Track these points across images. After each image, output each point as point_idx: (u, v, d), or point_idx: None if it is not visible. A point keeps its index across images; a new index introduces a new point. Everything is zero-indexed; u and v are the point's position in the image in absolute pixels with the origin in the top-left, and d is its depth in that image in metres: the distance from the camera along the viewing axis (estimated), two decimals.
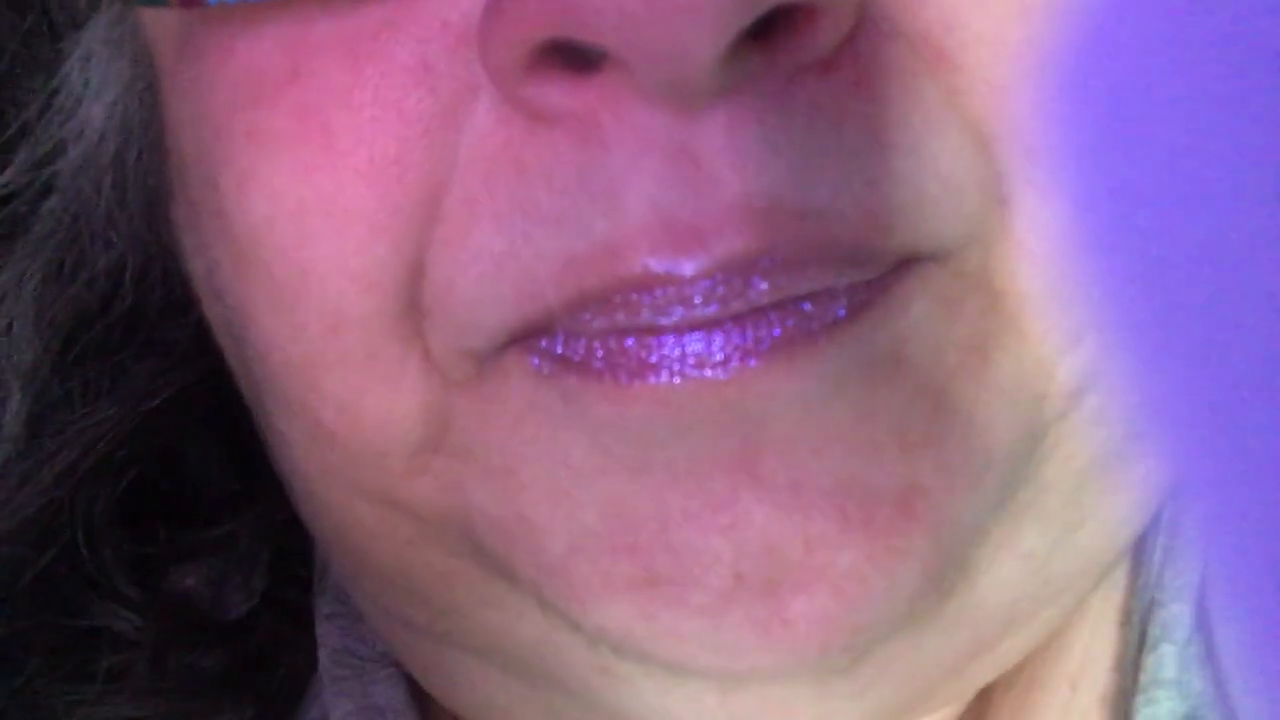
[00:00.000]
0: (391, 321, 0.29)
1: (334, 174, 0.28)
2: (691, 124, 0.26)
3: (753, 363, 0.27)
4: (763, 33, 0.26)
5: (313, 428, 0.31)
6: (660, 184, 0.26)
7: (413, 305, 0.29)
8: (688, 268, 0.27)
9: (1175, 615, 0.35)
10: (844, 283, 0.27)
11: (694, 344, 0.27)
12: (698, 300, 0.27)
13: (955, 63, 0.27)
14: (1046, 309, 0.28)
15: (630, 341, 0.28)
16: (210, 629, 0.38)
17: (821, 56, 0.27)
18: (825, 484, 0.28)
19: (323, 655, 0.37)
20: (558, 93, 0.27)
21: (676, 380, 0.27)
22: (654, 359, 0.27)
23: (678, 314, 0.27)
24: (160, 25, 0.32)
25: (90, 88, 0.35)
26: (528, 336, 0.28)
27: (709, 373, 0.27)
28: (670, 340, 0.27)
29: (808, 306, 0.27)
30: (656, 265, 0.27)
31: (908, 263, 0.28)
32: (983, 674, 0.33)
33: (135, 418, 0.38)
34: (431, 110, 0.28)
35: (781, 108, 0.27)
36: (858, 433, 0.28)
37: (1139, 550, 0.36)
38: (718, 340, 0.27)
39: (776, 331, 0.27)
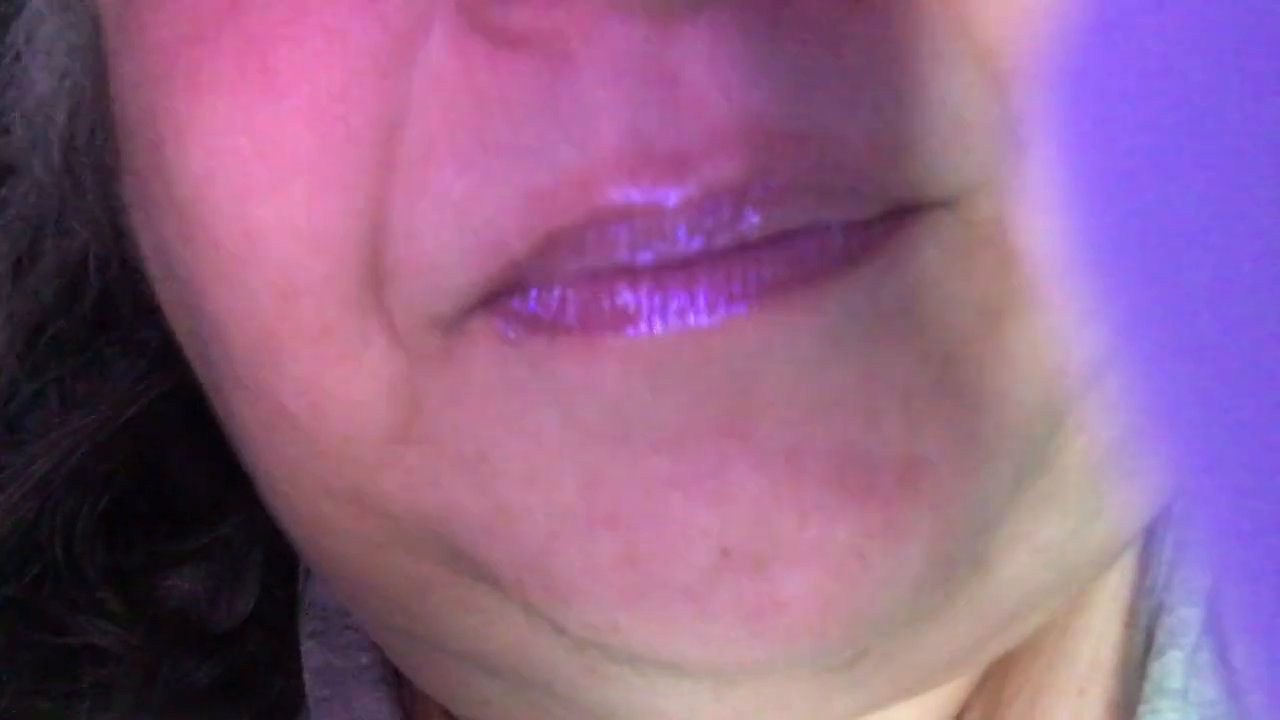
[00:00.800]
0: (349, 288, 0.27)
1: (274, 116, 0.26)
2: (670, 38, 0.24)
3: (742, 308, 0.25)
4: None
5: (273, 414, 0.29)
6: (636, 106, 0.24)
7: (373, 269, 0.26)
8: (670, 196, 0.24)
9: (1183, 620, 0.34)
10: (843, 219, 0.25)
11: (675, 288, 0.25)
12: (681, 234, 0.25)
13: None
14: (1063, 272, 0.26)
15: (603, 294, 0.25)
16: (202, 640, 0.37)
17: None
18: (822, 450, 0.25)
19: (307, 678, 0.35)
20: (525, 12, 0.24)
21: (657, 329, 0.25)
22: (629, 307, 0.25)
23: (658, 250, 0.25)
24: None
25: (37, 53, 0.33)
26: (496, 297, 0.26)
27: (692, 320, 0.25)
28: (647, 285, 0.25)
29: (804, 248, 0.25)
30: (633, 195, 0.24)
31: (913, 209, 0.26)
32: (984, 658, 0.32)
33: (115, 423, 0.36)
34: (381, 41, 0.26)
35: (772, 19, 0.24)
36: (859, 395, 0.25)
37: (1148, 547, 0.35)
38: (701, 284, 0.25)
39: (767, 273, 0.25)
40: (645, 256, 0.25)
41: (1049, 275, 0.25)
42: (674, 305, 0.25)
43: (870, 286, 0.25)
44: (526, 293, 0.26)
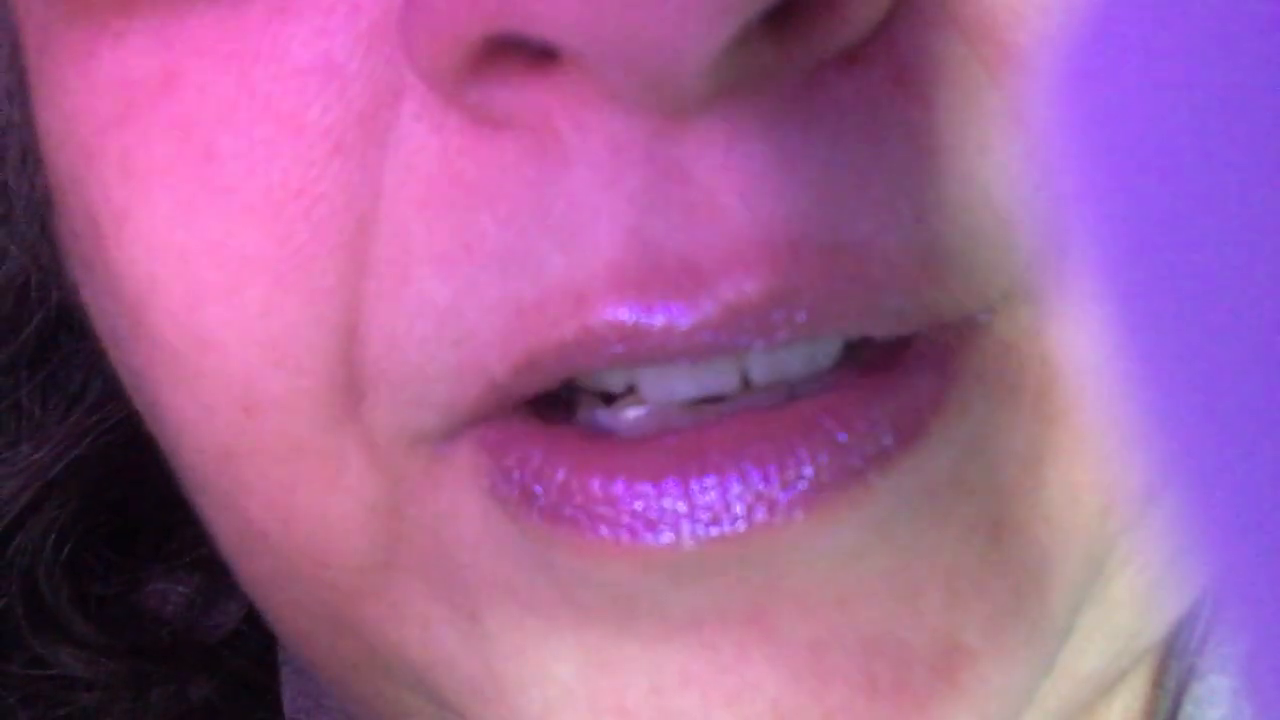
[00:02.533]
0: (319, 402, 0.23)
1: (222, 214, 0.22)
2: (680, 132, 0.21)
3: (781, 515, 0.22)
4: (775, 18, 0.20)
5: (241, 527, 0.26)
6: (640, 208, 0.21)
7: (346, 381, 0.23)
8: (683, 316, 0.21)
9: (1213, 688, 0.32)
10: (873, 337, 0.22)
11: (706, 494, 0.21)
12: (687, 361, 0.21)
13: (1024, 65, 0.21)
14: (1108, 390, 0.24)
15: (619, 486, 0.22)
16: (193, 653, 0.34)
17: (849, 45, 0.21)
18: (852, 642, 0.23)
19: (285, 698, 0.33)
20: (511, 92, 0.21)
21: (687, 542, 0.22)
22: (651, 512, 0.22)
23: (664, 378, 0.22)
24: (21, 6, 0.25)
25: None
26: (483, 418, 0.23)
27: (726, 528, 0.22)
28: (673, 487, 0.22)
29: (849, 443, 0.22)
30: (635, 313, 0.21)
31: (950, 330, 0.23)
32: None
33: (79, 444, 0.33)
34: (342, 122, 0.22)
35: (799, 111, 0.21)
36: (898, 581, 0.23)
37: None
38: (735, 488, 0.22)
39: (808, 470, 0.22)
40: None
41: (1092, 395, 0.23)
42: (703, 513, 0.22)
43: (925, 465, 0.22)
44: (509, 432, 0.23)
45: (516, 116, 0.21)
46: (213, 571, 0.34)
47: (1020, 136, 0.21)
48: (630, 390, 0.23)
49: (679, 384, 0.23)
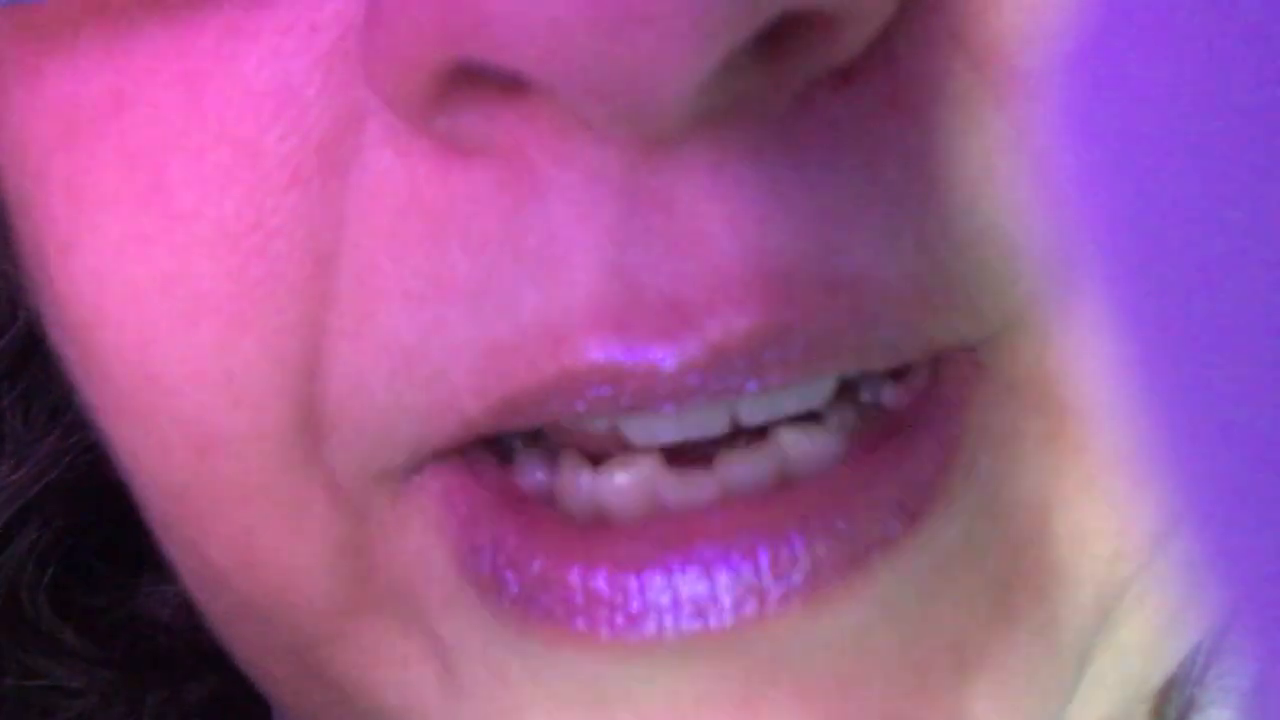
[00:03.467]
0: (279, 443, 0.22)
1: (172, 246, 0.21)
2: (661, 160, 0.19)
3: (772, 606, 0.20)
4: (763, 38, 0.19)
5: (202, 567, 0.25)
6: (620, 242, 0.19)
7: (306, 421, 0.22)
8: (668, 357, 0.20)
9: None
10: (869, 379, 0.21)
11: (692, 586, 0.20)
12: (672, 405, 0.20)
13: (1029, 88, 0.20)
14: (1114, 430, 0.23)
15: (600, 579, 0.21)
16: (189, 657, 0.34)
17: (842, 64, 0.20)
18: None
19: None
20: (481, 120, 0.20)
21: (669, 634, 0.20)
22: (632, 606, 0.20)
23: (648, 423, 0.21)
24: None
25: None
26: (449, 453, 0.22)
27: (712, 621, 0.20)
28: (657, 579, 0.20)
29: (849, 530, 0.21)
30: (618, 353, 0.20)
31: (954, 377, 0.22)
32: None
33: (65, 457, 0.32)
34: (301, 149, 0.20)
35: (788, 134, 0.20)
36: (905, 659, 0.21)
37: None
38: (723, 580, 0.20)
39: (805, 561, 0.20)
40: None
41: (1099, 437, 0.22)
42: (688, 606, 0.21)
43: (931, 543, 0.21)
44: (491, 529, 0.22)
45: (487, 144, 0.20)
46: None
47: (1025, 162, 0.20)
48: (614, 437, 0.22)
49: (664, 428, 0.22)
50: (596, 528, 0.22)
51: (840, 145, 0.20)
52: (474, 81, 0.19)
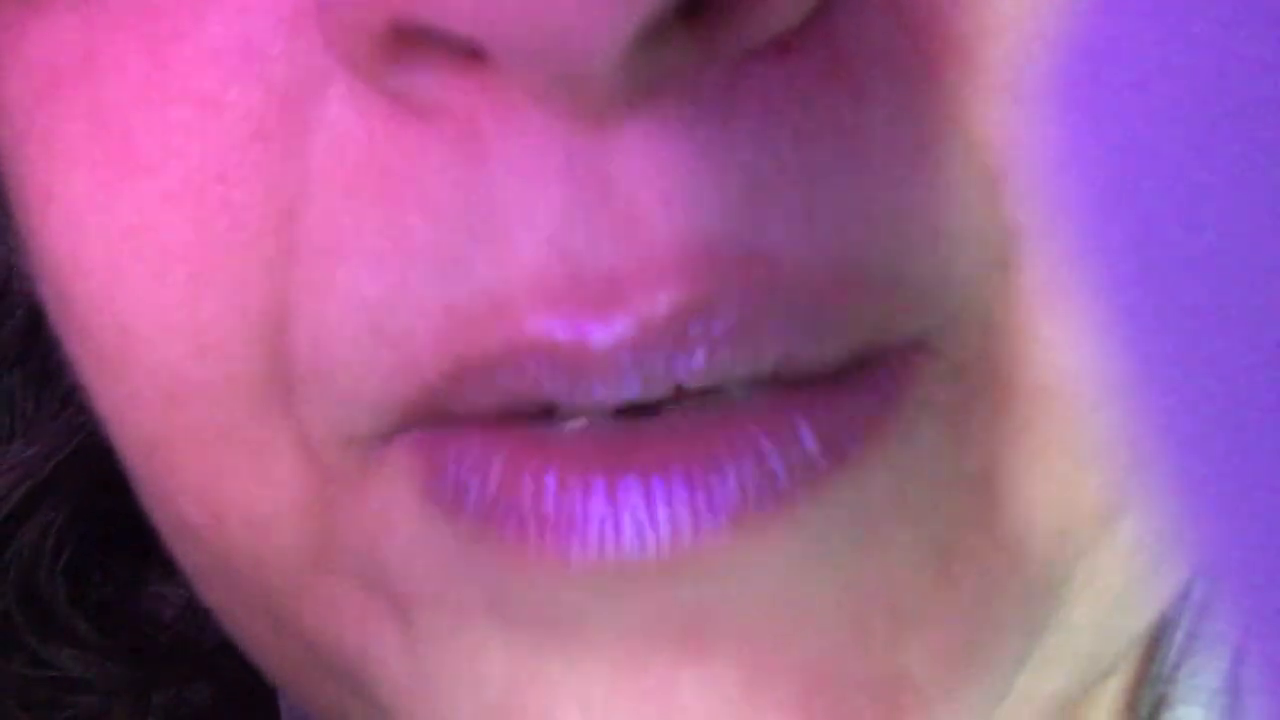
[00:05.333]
0: (247, 394, 0.22)
1: (140, 198, 0.22)
2: (600, 135, 0.20)
3: (706, 533, 0.21)
4: (696, 6, 0.19)
5: (175, 520, 0.25)
6: (559, 217, 0.20)
7: (275, 373, 0.22)
8: (598, 335, 0.20)
9: (1184, 718, 0.32)
10: (801, 367, 0.21)
11: (630, 495, 0.21)
12: (611, 381, 0.21)
13: (972, 60, 0.20)
14: (1064, 409, 0.22)
15: (549, 486, 0.21)
16: (192, 658, 0.34)
17: (779, 34, 0.19)
18: (790, 670, 0.22)
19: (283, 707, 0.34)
20: (434, 83, 0.20)
21: (608, 555, 0.21)
22: (576, 518, 0.21)
23: (591, 394, 0.21)
24: None
25: None
26: (417, 422, 0.22)
27: (652, 543, 0.21)
28: (599, 489, 0.21)
29: (775, 460, 0.21)
30: (555, 329, 0.20)
31: (892, 351, 0.22)
32: None
33: (71, 443, 0.33)
34: (264, 105, 0.21)
35: (723, 108, 0.20)
36: (840, 608, 0.22)
37: (1156, 630, 0.33)
38: (660, 505, 0.21)
39: (732, 485, 0.21)
40: (572, 400, 0.21)
41: (1047, 415, 0.22)
42: (629, 525, 0.21)
43: (859, 488, 0.21)
44: (445, 430, 0.22)
45: (441, 107, 0.20)
46: None
47: (963, 140, 0.20)
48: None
49: (607, 392, 0.22)
50: (552, 440, 0.22)
51: (774, 119, 0.20)
52: (427, 44, 0.19)
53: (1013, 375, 0.22)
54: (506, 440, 0.22)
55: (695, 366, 0.20)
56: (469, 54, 0.19)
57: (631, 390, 0.21)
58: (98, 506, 0.34)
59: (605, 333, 0.20)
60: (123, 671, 0.33)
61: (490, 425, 0.22)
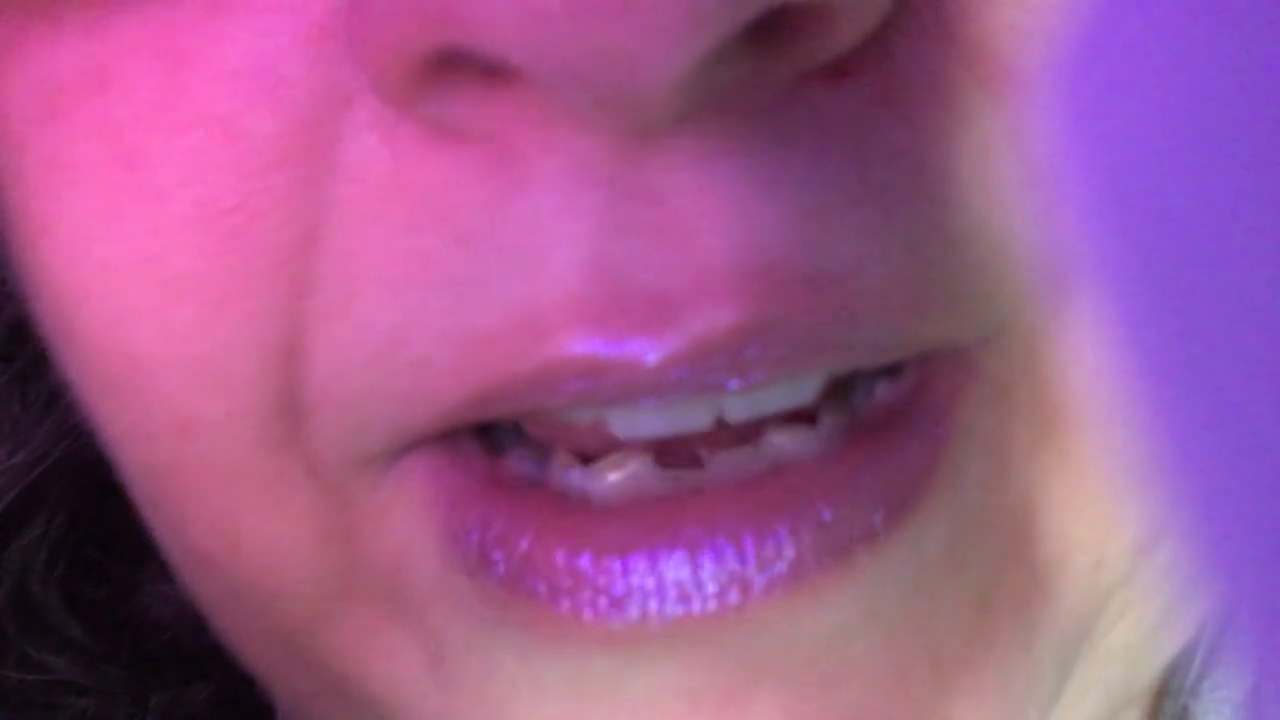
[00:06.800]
0: (257, 425, 0.22)
1: (151, 226, 0.21)
2: (648, 150, 0.19)
3: (756, 596, 0.20)
4: (754, 27, 0.18)
5: (188, 550, 0.25)
6: (604, 233, 0.19)
7: (287, 403, 0.21)
8: (649, 351, 0.19)
9: None
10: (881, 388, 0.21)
11: (676, 570, 0.20)
12: (654, 400, 0.20)
13: (1025, 88, 0.19)
14: (1102, 437, 0.22)
15: (585, 560, 0.20)
16: (188, 661, 0.34)
17: (836, 57, 0.19)
18: None
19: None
20: (465, 106, 0.19)
21: (653, 621, 0.20)
22: (617, 588, 0.20)
23: (632, 418, 0.21)
24: None
25: None
26: (432, 440, 0.22)
27: (695, 607, 0.20)
28: (641, 562, 0.20)
29: (835, 524, 0.20)
30: (598, 347, 0.19)
31: (944, 378, 0.21)
32: None
33: (63, 444, 0.32)
34: (284, 130, 0.20)
35: (777, 127, 0.19)
36: (885, 659, 0.21)
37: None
38: (708, 567, 0.20)
39: (789, 551, 0.20)
40: (617, 420, 0.20)
41: (1087, 442, 0.22)
42: (672, 591, 0.20)
43: (917, 544, 0.21)
44: (474, 505, 0.21)
45: (472, 131, 0.19)
46: None
47: (1019, 162, 0.20)
48: (599, 431, 0.22)
49: (649, 423, 0.22)
50: (583, 510, 0.22)
51: (830, 141, 0.20)
52: (460, 66, 0.19)
53: (1052, 397, 0.21)
54: (532, 509, 0.21)
55: (751, 387, 0.20)
56: (498, 74, 0.19)
57: (676, 417, 0.21)
58: (90, 509, 0.33)
59: (654, 349, 0.19)
60: (119, 674, 0.33)
61: (515, 492, 0.22)
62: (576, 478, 0.22)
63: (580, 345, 0.20)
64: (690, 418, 0.22)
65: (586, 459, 0.22)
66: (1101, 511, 0.22)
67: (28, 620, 0.32)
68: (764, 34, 0.18)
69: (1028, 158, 0.19)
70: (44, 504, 0.32)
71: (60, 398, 0.32)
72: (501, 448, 0.23)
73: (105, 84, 0.21)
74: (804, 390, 0.22)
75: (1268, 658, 0.11)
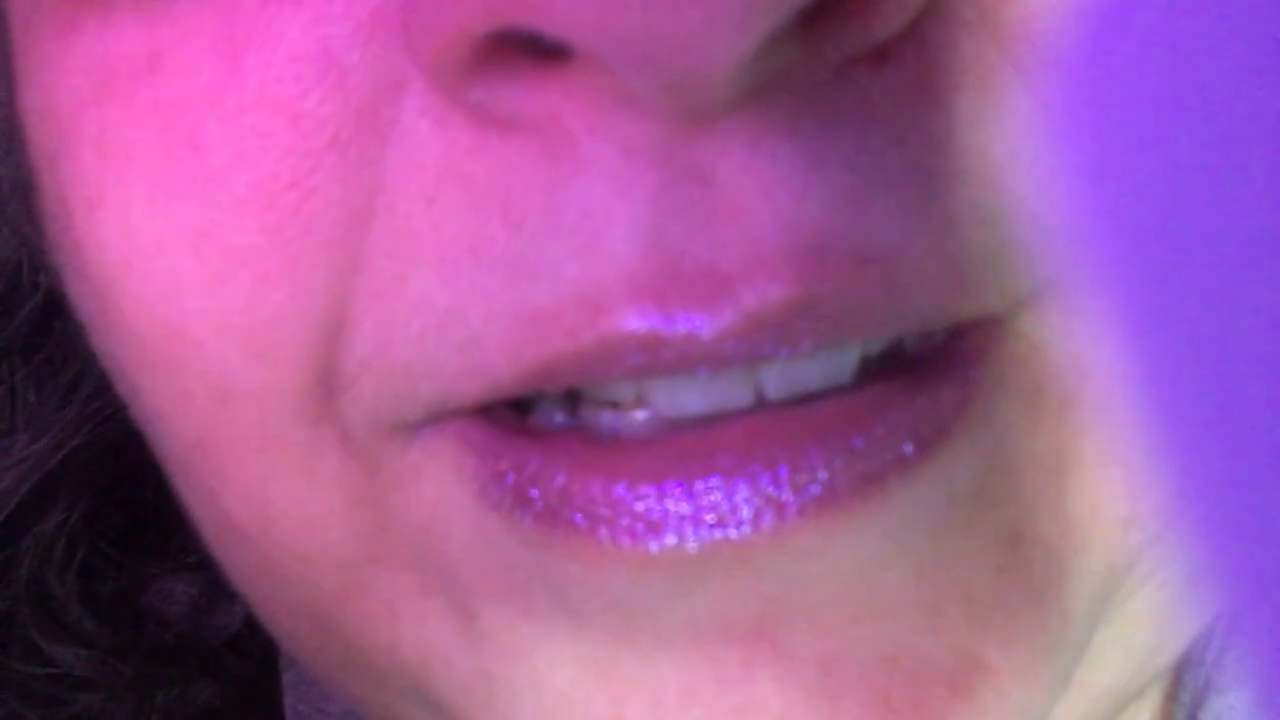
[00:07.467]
0: (296, 396, 0.22)
1: (205, 203, 0.21)
2: (700, 133, 0.20)
3: (791, 520, 0.21)
4: (804, 14, 0.19)
5: (221, 520, 0.25)
6: (659, 213, 0.20)
7: (326, 376, 0.22)
8: (705, 326, 0.20)
9: (1230, 704, 0.32)
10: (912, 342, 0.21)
11: (710, 495, 0.21)
12: (706, 370, 0.21)
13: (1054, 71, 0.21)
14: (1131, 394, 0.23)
15: (621, 489, 0.21)
16: (197, 657, 0.34)
17: (879, 42, 0.20)
18: (866, 658, 0.21)
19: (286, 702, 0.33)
20: (517, 92, 0.20)
21: (690, 545, 0.21)
22: (654, 514, 0.21)
23: (675, 394, 0.21)
24: None
25: None
26: (465, 412, 0.22)
27: (732, 533, 0.21)
28: (676, 488, 0.21)
29: (868, 453, 0.21)
30: (655, 322, 0.20)
31: (977, 333, 0.22)
32: None
33: (78, 436, 0.32)
34: (340, 113, 0.21)
35: (825, 109, 0.20)
36: (917, 594, 0.22)
37: (1186, 649, 0.32)
38: (742, 490, 0.21)
39: (823, 475, 0.21)
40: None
41: (1115, 400, 0.22)
42: (708, 515, 0.21)
43: (947, 476, 0.22)
44: (509, 451, 0.22)
45: (524, 117, 0.20)
46: (217, 570, 0.33)
47: (1047, 141, 0.20)
48: (638, 400, 0.23)
49: (690, 397, 0.22)
50: (617, 445, 0.22)
51: (874, 123, 0.20)
52: (510, 53, 0.20)
53: (1087, 360, 0.22)
54: (566, 448, 0.22)
55: (797, 359, 0.21)
56: (551, 56, 0.19)
57: (718, 393, 0.21)
58: (102, 503, 0.33)
59: (709, 323, 0.20)
60: (126, 669, 0.33)
61: (548, 436, 0.22)
62: (607, 419, 0.22)
63: (637, 321, 0.20)
64: (730, 394, 0.22)
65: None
66: (1132, 471, 0.22)
67: (41, 611, 0.33)
68: (813, 20, 0.19)
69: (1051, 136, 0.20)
70: (61, 495, 0.33)
71: (77, 390, 0.32)
72: (529, 406, 0.23)
73: (161, 66, 0.21)
74: (843, 368, 0.22)
75: (1267, 657, 0.11)
